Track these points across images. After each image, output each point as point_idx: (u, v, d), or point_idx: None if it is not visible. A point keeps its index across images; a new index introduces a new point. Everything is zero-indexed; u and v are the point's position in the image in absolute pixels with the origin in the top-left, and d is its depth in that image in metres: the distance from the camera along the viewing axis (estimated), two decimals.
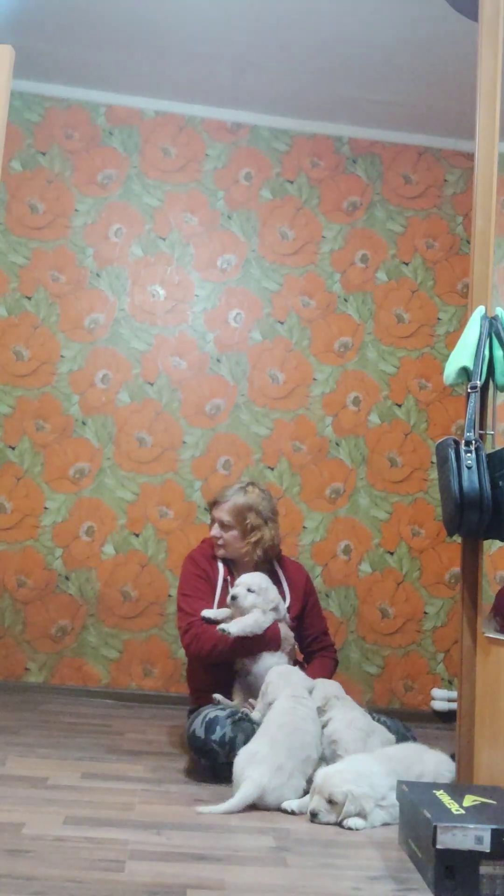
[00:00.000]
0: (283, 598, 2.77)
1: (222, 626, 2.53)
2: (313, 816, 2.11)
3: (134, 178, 3.86)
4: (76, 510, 3.64)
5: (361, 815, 2.09)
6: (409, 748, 2.40)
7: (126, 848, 1.83)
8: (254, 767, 2.19)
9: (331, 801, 2.10)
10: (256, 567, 2.83)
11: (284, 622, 2.70)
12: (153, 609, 3.63)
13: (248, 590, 2.59)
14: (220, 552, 2.82)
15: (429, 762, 2.29)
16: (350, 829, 2.06)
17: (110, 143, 3.87)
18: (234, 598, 2.58)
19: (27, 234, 3.77)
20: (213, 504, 2.86)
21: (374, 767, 2.18)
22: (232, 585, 2.75)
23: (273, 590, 2.65)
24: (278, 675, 2.49)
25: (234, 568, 2.83)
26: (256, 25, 3.26)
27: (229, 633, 2.52)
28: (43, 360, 3.71)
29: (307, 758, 2.27)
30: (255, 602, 2.58)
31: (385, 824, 2.11)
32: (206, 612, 2.64)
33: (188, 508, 3.69)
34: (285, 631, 2.67)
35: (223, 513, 2.81)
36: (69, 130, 3.85)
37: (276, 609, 2.64)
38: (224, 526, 2.80)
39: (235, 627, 2.53)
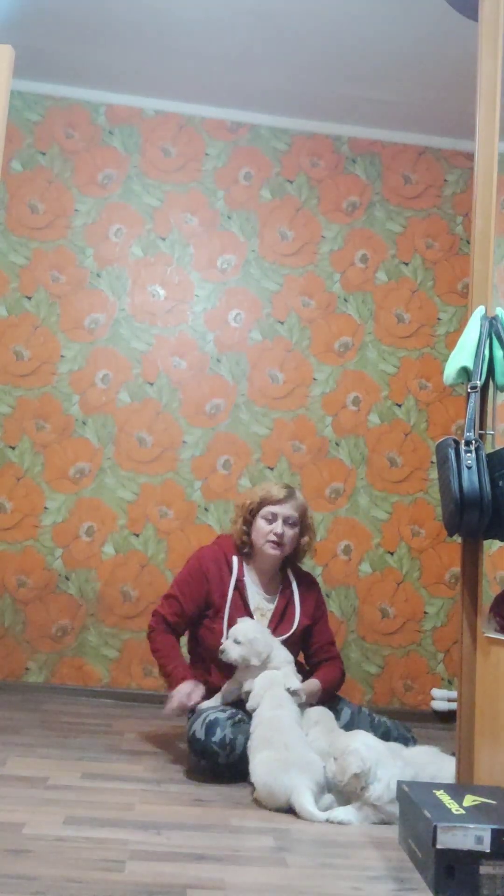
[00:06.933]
0: (294, 610, 2.77)
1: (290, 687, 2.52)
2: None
3: (134, 177, 3.86)
4: (76, 510, 3.64)
5: (355, 794, 2.13)
6: (423, 751, 2.42)
7: (126, 848, 1.83)
8: (293, 776, 2.19)
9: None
10: (274, 572, 2.83)
11: (283, 645, 2.67)
12: (153, 609, 3.62)
13: (236, 641, 2.54)
14: (278, 551, 2.75)
15: (446, 766, 2.30)
16: (339, 822, 2.10)
17: (110, 142, 3.87)
18: (222, 651, 2.54)
19: (27, 234, 3.77)
20: (274, 501, 2.76)
21: (397, 768, 2.21)
22: (245, 588, 2.75)
23: (261, 640, 2.56)
24: (263, 678, 2.52)
25: (252, 567, 2.81)
26: (256, 25, 3.26)
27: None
28: (43, 360, 3.71)
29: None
30: (242, 654, 2.52)
31: (373, 823, 2.13)
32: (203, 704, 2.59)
33: (188, 508, 3.69)
34: (285, 653, 2.63)
35: (292, 509, 2.76)
36: (69, 130, 3.85)
37: (267, 658, 2.56)
38: (290, 524, 2.76)
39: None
